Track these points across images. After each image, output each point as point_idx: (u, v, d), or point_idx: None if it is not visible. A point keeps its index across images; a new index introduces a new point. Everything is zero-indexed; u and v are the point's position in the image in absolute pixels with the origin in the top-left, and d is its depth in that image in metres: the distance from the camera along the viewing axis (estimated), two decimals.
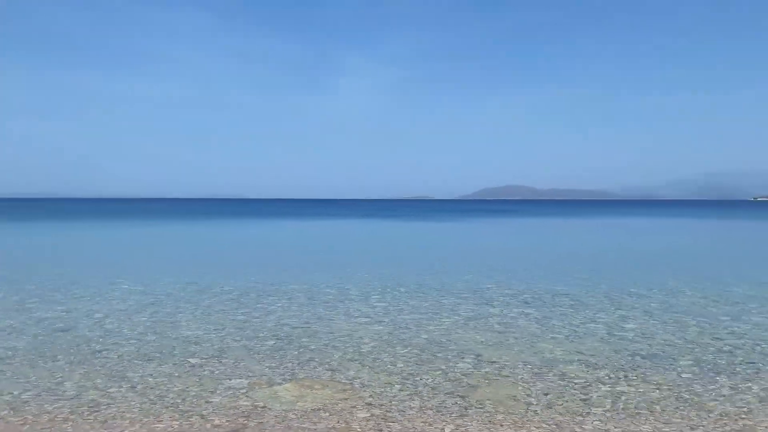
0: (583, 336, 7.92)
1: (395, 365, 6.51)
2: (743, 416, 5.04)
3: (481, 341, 7.60)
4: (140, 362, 6.64)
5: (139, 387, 5.79)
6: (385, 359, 6.75)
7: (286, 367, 6.46)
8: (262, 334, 7.93)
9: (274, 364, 6.55)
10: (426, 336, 7.85)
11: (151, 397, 5.50)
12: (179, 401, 5.40)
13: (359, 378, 6.06)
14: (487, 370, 6.36)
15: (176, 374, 6.20)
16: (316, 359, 6.74)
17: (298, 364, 6.57)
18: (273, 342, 7.52)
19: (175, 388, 5.75)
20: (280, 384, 5.86)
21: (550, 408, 5.23)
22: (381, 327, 8.38)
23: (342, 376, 6.12)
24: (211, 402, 5.38)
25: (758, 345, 7.45)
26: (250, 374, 6.19)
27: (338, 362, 6.63)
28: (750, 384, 5.89)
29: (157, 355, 6.95)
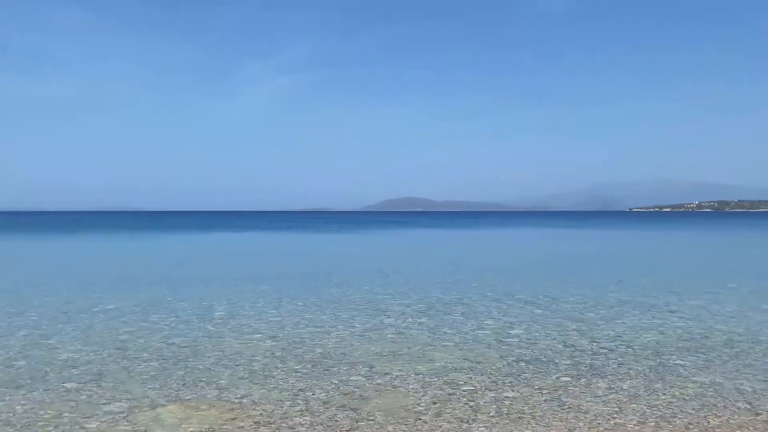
0: (472, 343, 8.17)
1: (287, 381, 6.40)
2: (615, 416, 5.38)
3: (375, 353, 7.65)
4: (7, 390, 6.10)
5: (4, 416, 5.32)
6: (276, 376, 6.62)
7: (171, 388, 6.17)
8: (145, 355, 7.53)
9: (157, 386, 6.24)
10: (321, 350, 7.79)
11: (18, 427, 5.07)
12: (51, 429, 5.02)
13: (249, 396, 5.90)
14: (379, 381, 6.40)
15: (48, 400, 5.76)
16: (204, 379, 6.50)
17: (184, 384, 6.30)
18: (157, 363, 7.17)
19: (47, 416, 5.33)
20: (163, 406, 5.59)
21: (439, 416, 5.34)
22: (274, 343, 8.22)
23: (231, 395, 5.93)
24: (87, 428, 5.04)
25: (630, 347, 8.00)
26: (131, 397, 5.85)
27: (227, 381, 6.42)
28: (621, 384, 6.32)
29: (28, 381, 6.42)
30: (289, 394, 5.95)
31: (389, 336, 8.63)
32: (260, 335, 8.70)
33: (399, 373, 6.71)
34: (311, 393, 5.99)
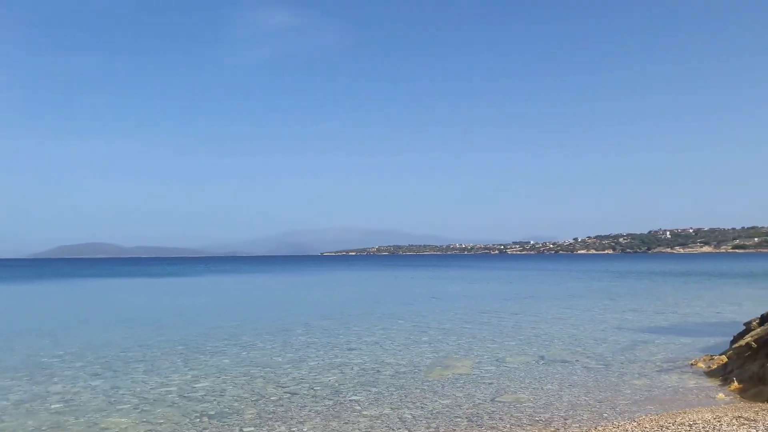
0: (153, 403, 7.62)
1: None
2: None
3: (33, 427, 6.59)
4: None
5: None
6: None
7: None
8: None
9: None
10: None
11: None
12: None
13: None
14: None
15: None
16: None
17: None
18: None
19: None
20: None
21: None
22: None
23: None
24: None
25: (312, 388, 8.37)
26: None
27: None
28: (302, 426, 6.54)
29: None
30: None
31: (54, 405, 7.54)
32: None
33: None
34: None
